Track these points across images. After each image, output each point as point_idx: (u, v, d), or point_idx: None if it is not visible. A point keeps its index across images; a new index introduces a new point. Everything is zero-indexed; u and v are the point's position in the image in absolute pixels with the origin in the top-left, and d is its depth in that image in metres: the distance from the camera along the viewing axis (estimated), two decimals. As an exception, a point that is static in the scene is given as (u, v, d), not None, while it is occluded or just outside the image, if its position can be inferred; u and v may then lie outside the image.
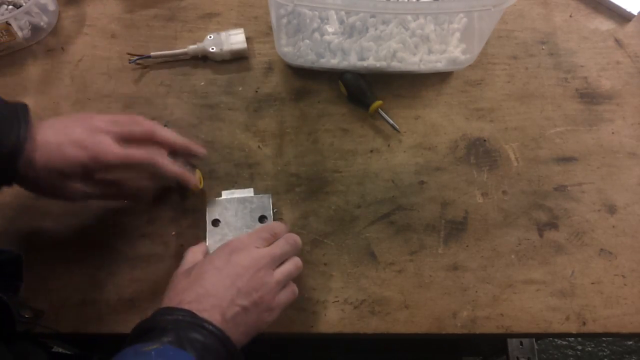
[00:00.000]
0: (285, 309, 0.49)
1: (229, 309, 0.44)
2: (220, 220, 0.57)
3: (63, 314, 0.54)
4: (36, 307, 0.53)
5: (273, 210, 0.59)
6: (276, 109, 0.67)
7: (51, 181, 0.48)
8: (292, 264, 0.50)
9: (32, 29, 0.70)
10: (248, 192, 0.59)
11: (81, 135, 0.48)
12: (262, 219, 0.57)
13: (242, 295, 0.45)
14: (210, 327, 0.41)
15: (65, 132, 0.48)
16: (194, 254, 0.51)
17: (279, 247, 0.49)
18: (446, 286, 0.57)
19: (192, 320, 0.41)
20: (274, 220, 0.58)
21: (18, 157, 0.45)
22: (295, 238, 0.51)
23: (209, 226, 0.57)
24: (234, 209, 0.58)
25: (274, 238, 0.50)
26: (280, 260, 0.49)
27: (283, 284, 0.49)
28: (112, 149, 0.48)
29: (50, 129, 0.48)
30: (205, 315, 0.42)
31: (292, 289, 0.50)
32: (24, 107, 0.47)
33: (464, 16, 0.68)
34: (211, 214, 0.58)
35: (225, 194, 0.60)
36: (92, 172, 0.49)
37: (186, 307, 0.43)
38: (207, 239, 0.56)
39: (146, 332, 0.41)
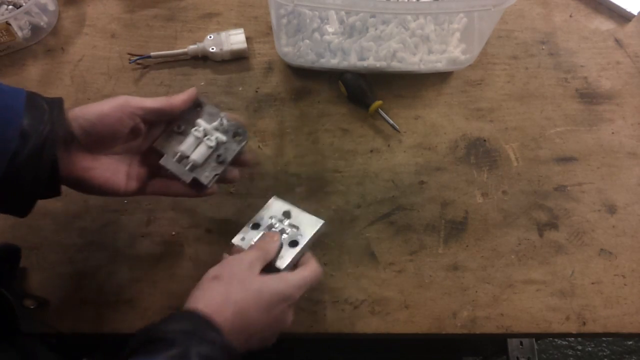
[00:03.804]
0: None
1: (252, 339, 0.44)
2: (261, 226, 0.52)
3: (63, 314, 0.54)
4: (40, 295, 0.53)
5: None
6: (276, 109, 0.67)
7: None
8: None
9: (32, 29, 0.70)
10: (316, 223, 0.51)
11: None
12: (293, 242, 0.50)
13: (268, 332, 0.45)
14: (219, 338, 0.40)
15: None
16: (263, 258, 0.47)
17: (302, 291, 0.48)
18: (446, 286, 0.57)
19: (202, 335, 0.39)
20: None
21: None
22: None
23: (248, 225, 0.52)
24: (278, 224, 0.52)
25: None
26: None
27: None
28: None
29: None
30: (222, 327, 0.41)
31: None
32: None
33: (464, 16, 0.68)
34: (260, 216, 0.52)
35: (285, 206, 0.53)
36: None
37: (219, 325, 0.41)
38: (237, 236, 0.51)
39: (152, 341, 0.38)
